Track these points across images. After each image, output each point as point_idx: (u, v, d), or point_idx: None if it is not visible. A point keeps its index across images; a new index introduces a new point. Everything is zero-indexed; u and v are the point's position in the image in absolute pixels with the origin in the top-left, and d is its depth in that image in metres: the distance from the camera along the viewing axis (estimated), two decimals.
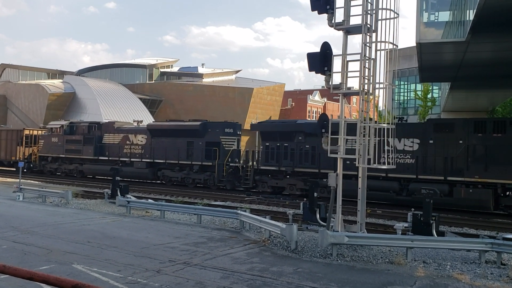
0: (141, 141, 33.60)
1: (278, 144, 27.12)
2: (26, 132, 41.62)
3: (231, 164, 29.83)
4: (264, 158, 27.62)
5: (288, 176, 26.85)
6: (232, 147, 30.55)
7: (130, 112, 62.61)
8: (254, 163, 29.04)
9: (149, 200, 21.30)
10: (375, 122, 13.65)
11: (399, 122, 23.72)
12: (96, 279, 9.45)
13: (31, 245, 12.44)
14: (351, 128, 13.79)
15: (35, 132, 42.14)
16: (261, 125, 30.37)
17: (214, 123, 32.32)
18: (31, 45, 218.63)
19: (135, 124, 36.01)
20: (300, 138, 26.51)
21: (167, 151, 31.85)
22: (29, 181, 33.24)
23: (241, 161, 30.27)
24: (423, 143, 22.80)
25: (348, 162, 15.53)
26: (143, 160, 33.24)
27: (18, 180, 25.79)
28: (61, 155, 37.83)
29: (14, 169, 40.58)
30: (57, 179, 36.43)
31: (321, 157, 24.29)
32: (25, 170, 38.55)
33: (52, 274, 9.65)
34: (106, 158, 35.03)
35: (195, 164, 31.03)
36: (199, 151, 30.77)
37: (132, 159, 33.68)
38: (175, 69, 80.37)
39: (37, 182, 33.25)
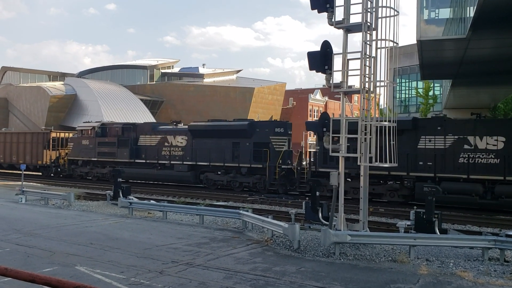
0: (181, 142, 31.62)
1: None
2: (53, 134, 39.73)
3: (283, 167, 27.56)
4: (322, 160, 25.14)
5: (349, 179, 24.05)
6: (283, 148, 28.40)
7: (132, 113, 62.67)
8: (301, 164, 27.08)
9: (151, 201, 21.30)
10: (377, 120, 13.61)
11: (480, 118, 22.76)
12: (99, 281, 9.45)
13: (34, 248, 12.44)
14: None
15: (61, 135, 40.49)
16: (319, 123, 27.83)
17: (262, 123, 30.59)
18: (32, 48, 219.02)
19: (173, 124, 33.97)
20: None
21: (211, 153, 29.87)
22: (31, 183, 33.26)
23: (294, 163, 28.19)
24: (509, 141, 21.27)
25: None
26: (184, 162, 31.18)
27: (21, 182, 25.82)
28: (92, 158, 35.83)
29: (40, 173, 39.79)
30: (59, 181, 36.40)
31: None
32: (52, 175, 38.11)
33: (55, 276, 9.64)
34: (143, 161, 33.07)
35: (242, 166, 28.97)
36: (246, 153, 28.77)
37: (172, 162, 31.69)
38: (176, 69, 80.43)
39: (39, 185, 33.31)
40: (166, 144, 32.30)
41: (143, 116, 63.39)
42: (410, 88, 51.22)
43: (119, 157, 34.03)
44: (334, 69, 13.45)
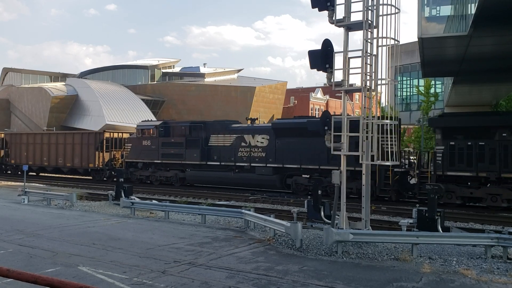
0: (262, 142, 28.14)
1: (469, 143, 21.65)
2: (106, 134, 36.61)
3: (396, 170, 23.43)
4: (449, 162, 21.94)
5: (488, 184, 21.53)
6: (392, 147, 25.50)
7: (133, 113, 62.69)
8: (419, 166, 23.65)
9: (153, 201, 21.32)
10: (378, 118, 13.59)
11: None
12: (101, 281, 9.46)
13: (36, 248, 12.46)
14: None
15: (115, 135, 37.33)
16: (445, 119, 24.04)
17: None
18: (33, 49, 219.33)
19: (248, 122, 30.88)
20: (505, 134, 21.08)
21: (301, 154, 26.26)
22: (33, 184, 33.30)
23: (412, 165, 24.66)
24: None
25: None
26: (267, 165, 27.69)
27: (23, 183, 25.85)
28: (155, 161, 32.42)
29: (91, 177, 37.31)
30: (62, 181, 36.37)
31: None
32: (104, 179, 35.41)
33: (58, 276, 9.63)
34: (217, 163, 29.73)
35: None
36: None
37: (252, 164, 28.20)
38: (176, 69, 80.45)
39: (41, 185, 33.34)
40: (243, 144, 28.94)
41: (145, 116, 63.34)
42: (411, 86, 51.15)
43: (187, 158, 30.75)
44: (335, 68, 13.41)
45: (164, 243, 13.37)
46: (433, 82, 45.91)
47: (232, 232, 15.32)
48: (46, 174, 41.58)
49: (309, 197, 21.86)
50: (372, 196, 22.79)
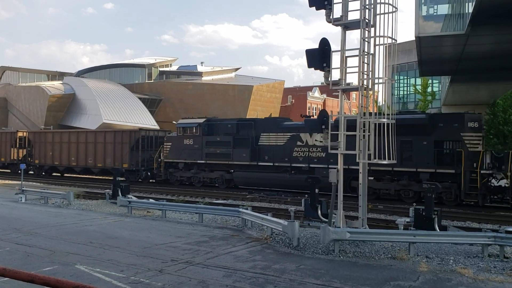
0: (321, 141, 24.44)
1: None
2: (143, 133, 34.64)
3: (482, 172, 21.40)
4: None
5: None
6: (477, 147, 22.42)
7: (130, 112, 62.59)
8: None
9: (150, 200, 21.31)
10: (376, 115, 13.60)
11: None
12: (99, 280, 9.45)
13: (34, 247, 12.44)
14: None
15: (151, 133, 35.62)
16: None
17: (449, 116, 24.66)
18: (31, 47, 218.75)
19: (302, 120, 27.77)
20: None
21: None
22: (30, 183, 33.23)
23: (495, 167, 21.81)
24: None
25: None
26: (330, 166, 24.69)
27: (20, 182, 25.80)
28: (199, 161, 30.45)
29: (123, 178, 35.06)
30: (59, 180, 36.25)
31: None
32: (139, 180, 33.59)
33: (55, 275, 9.62)
34: (270, 163, 27.55)
35: (422, 171, 22.73)
36: (424, 154, 22.79)
37: (311, 165, 25.82)
38: (174, 68, 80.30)
39: (39, 184, 33.27)
40: (299, 143, 26.74)
41: (142, 114, 63.30)
42: (408, 85, 51.18)
43: (235, 159, 28.82)
44: (333, 67, 13.43)
45: (161, 242, 13.37)
46: (430, 81, 46.00)
47: (230, 231, 15.32)
48: (72, 175, 39.22)
49: (306, 195, 21.78)
50: (455, 201, 22.13)
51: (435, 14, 23.26)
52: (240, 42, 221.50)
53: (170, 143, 32.20)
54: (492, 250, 12.14)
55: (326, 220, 14.96)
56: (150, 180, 33.99)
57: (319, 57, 13.44)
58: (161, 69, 77.90)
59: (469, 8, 16.98)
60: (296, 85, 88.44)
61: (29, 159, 41.18)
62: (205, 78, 75.09)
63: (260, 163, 27.88)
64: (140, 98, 68.19)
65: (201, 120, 31.17)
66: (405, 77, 51.14)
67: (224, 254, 11.91)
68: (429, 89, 45.67)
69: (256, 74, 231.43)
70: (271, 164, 27.42)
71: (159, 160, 32.98)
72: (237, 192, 27.79)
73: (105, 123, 57.59)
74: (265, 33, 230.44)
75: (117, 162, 34.05)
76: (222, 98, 67.52)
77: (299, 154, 26.72)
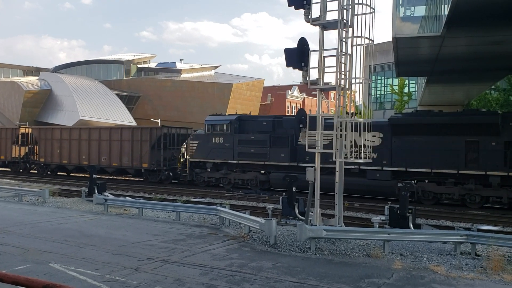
0: (373, 141, 22.62)
1: None
2: (164, 130, 32.36)
3: None
4: None
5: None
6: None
7: (108, 108, 61.93)
8: None
9: (127, 198, 21.14)
10: (352, 114, 13.75)
11: None
12: (73, 278, 9.35)
13: (6, 245, 12.22)
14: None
15: (173, 131, 32.90)
16: None
17: None
18: (6, 42, 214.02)
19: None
20: None
21: (430, 156, 22.14)
22: (4, 180, 32.60)
23: None
24: None
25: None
26: (383, 168, 23.25)
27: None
28: (229, 161, 28.13)
29: (142, 179, 32.99)
30: (34, 177, 35.57)
31: None
32: (159, 180, 31.45)
33: (28, 274, 9.48)
34: (311, 164, 26.04)
35: (492, 175, 21.02)
36: (493, 156, 21.06)
37: (362, 167, 23.57)
38: (152, 64, 79.66)
39: (13, 181, 32.66)
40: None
41: (119, 111, 62.69)
42: (385, 85, 51.81)
43: (272, 159, 26.58)
44: (311, 66, 13.50)
45: (138, 240, 13.28)
46: (407, 82, 46.67)
47: (207, 229, 15.31)
48: (82, 175, 36.22)
49: (284, 193, 21.84)
50: None
51: (412, 15, 23.59)
52: (220, 40, 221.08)
53: (197, 142, 29.74)
54: (464, 248, 12.40)
55: (303, 218, 15.06)
56: (173, 181, 32.06)
57: (297, 56, 13.51)
58: (139, 65, 77.22)
59: (445, 10, 17.27)
60: (276, 84, 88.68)
61: (31, 156, 38.90)
62: (184, 76, 74.67)
63: (301, 164, 25.10)
64: (118, 95, 67.49)
65: (233, 117, 28.98)
66: (383, 77, 51.77)
67: (201, 252, 11.90)
68: (406, 90, 46.32)
69: (236, 72, 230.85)
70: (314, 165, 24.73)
71: (184, 159, 30.99)
72: (215, 190, 27.74)
73: (81, 120, 56.85)
74: (245, 31, 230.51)
75: (136, 162, 32.05)
76: (201, 95, 67.26)
77: None
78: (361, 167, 23.56)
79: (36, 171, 38.66)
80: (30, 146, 39.45)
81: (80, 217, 17.41)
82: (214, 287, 9.04)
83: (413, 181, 22.73)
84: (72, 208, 19.87)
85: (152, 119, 60.77)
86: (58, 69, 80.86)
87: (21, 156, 39.28)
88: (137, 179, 34.09)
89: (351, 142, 13.32)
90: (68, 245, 12.44)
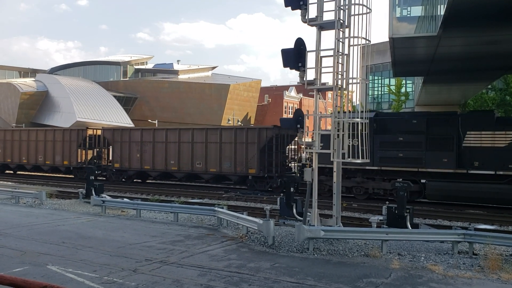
0: None
1: None
2: (276, 131, 27.59)
3: None
4: None
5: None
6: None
7: (105, 110, 61.84)
8: None
9: (125, 199, 21.10)
10: (349, 112, 13.76)
11: None
12: (71, 280, 9.33)
13: (4, 247, 12.18)
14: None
15: (282, 131, 27.98)
16: None
17: None
18: (1, 44, 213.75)
19: None
20: None
21: None
22: (1, 182, 32.50)
23: None
24: None
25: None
26: None
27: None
28: (367, 167, 23.01)
29: (246, 187, 28.38)
30: (31, 179, 35.46)
31: None
32: (269, 189, 27.19)
33: (26, 276, 9.43)
34: (488, 171, 20.67)
35: None
36: None
37: None
38: (149, 66, 79.68)
39: (10, 183, 32.58)
40: None
41: (117, 112, 62.61)
42: (382, 85, 51.87)
43: (429, 165, 22.00)
44: (308, 66, 13.52)
45: (136, 241, 13.26)
46: (404, 82, 46.75)
47: (205, 230, 15.29)
48: (167, 181, 33.03)
49: (281, 194, 21.85)
50: None
51: (408, 15, 23.63)
52: (216, 41, 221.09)
53: (322, 144, 25.64)
54: (461, 247, 12.43)
55: (301, 218, 15.06)
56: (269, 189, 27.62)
57: (294, 57, 13.53)
58: (136, 67, 77.21)
59: (441, 10, 17.30)
60: (273, 85, 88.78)
61: (95, 161, 35.03)
62: (182, 77, 74.68)
63: (471, 171, 21.08)
64: (115, 96, 67.43)
65: (371, 114, 23.62)
66: (380, 78, 51.83)
67: (199, 253, 11.89)
68: (403, 90, 46.41)
69: (233, 73, 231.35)
70: (492, 172, 20.52)
71: (300, 164, 26.71)
72: (213, 191, 27.72)
73: (78, 121, 56.76)
74: (242, 32, 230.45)
75: (239, 167, 27.88)
76: (198, 96, 67.26)
77: None
78: None
79: (104, 178, 33.99)
80: (97, 149, 35.54)
81: (77, 218, 17.37)
82: None
83: None
84: (70, 210, 19.82)
85: (149, 120, 60.75)
86: (55, 70, 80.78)
87: (87, 161, 34.93)
88: (237, 187, 30.06)
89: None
90: (66, 247, 12.41)
